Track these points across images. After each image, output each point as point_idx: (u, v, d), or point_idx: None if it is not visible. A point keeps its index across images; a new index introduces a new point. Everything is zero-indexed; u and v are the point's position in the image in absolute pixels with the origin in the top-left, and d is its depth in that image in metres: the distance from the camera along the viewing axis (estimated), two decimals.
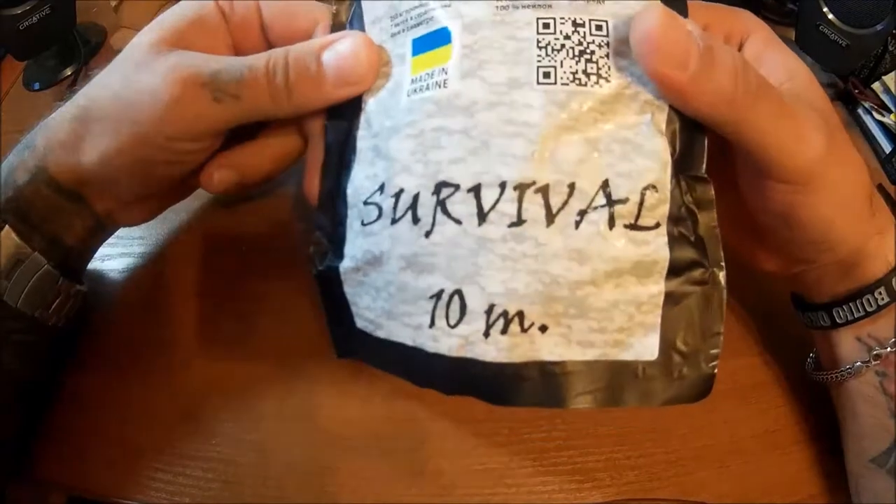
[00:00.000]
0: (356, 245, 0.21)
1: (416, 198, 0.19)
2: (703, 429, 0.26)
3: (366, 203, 0.20)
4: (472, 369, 0.19)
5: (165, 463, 0.25)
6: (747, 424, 0.27)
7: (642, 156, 0.18)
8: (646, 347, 0.19)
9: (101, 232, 0.26)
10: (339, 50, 0.20)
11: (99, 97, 0.22)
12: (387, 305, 0.20)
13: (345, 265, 0.21)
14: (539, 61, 0.18)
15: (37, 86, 0.39)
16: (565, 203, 0.18)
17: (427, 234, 0.19)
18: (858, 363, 0.22)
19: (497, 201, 0.18)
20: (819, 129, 0.18)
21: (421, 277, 0.19)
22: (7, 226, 0.22)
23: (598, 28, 0.18)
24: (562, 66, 0.18)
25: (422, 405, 0.26)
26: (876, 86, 0.38)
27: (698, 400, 0.19)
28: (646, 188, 0.18)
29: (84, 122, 0.22)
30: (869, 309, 0.21)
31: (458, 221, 0.18)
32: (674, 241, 0.19)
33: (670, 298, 0.19)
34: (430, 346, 0.19)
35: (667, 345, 0.19)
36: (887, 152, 0.35)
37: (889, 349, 0.21)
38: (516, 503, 0.24)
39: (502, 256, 0.18)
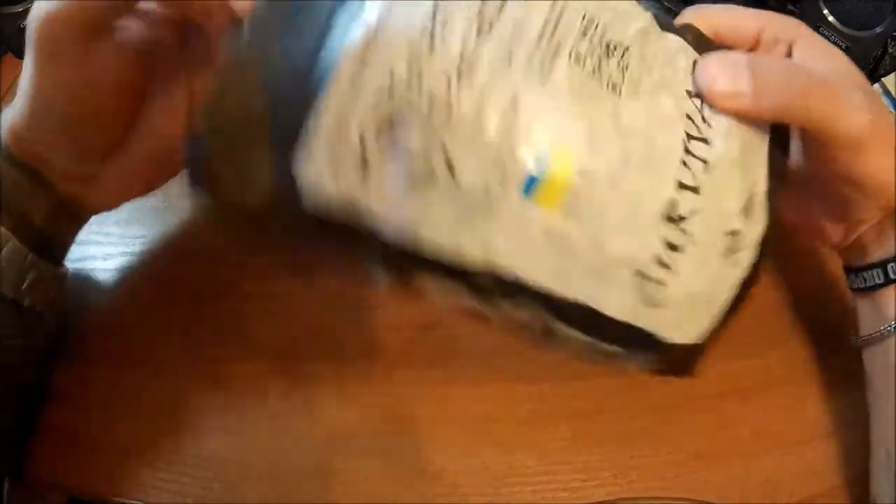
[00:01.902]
0: None
1: None
2: (706, 428, 0.27)
3: None
4: None
5: (166, 463, 0.25)
6: (749, 424, 0.27)
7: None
8: None
9: (67, 214, 0.25)
10: None
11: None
12: None
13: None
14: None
15: None
16: None
17: None
18: None
19: None
20: (863, 103, 0.21)
21: None
22: None
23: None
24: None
25: (422, 405, 0.26)
26: (876, 87, 0.38)
27: None
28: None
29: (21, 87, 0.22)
30: None
31: None
32: None
33: None
34: None
35: None
36: None
37: None
38: (519, 503, 0.24)
39: None
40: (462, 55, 0.17)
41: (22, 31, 0.34)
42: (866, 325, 0.26)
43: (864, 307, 0.26)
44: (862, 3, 0.33)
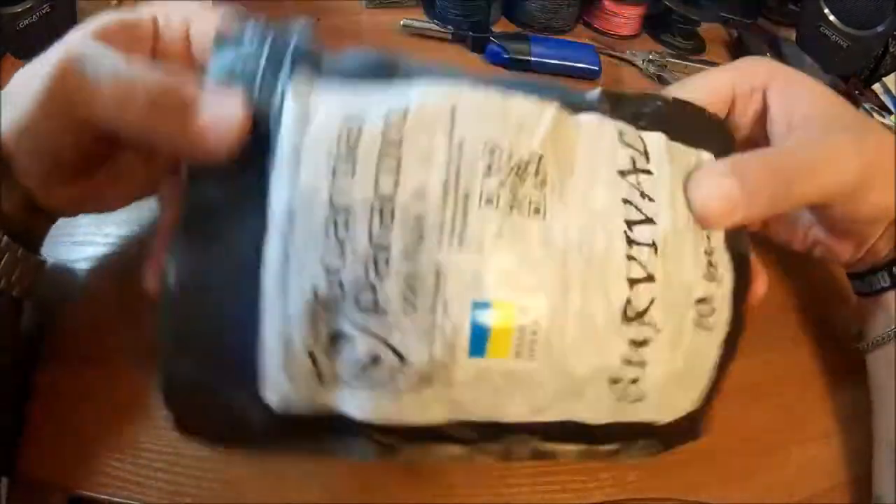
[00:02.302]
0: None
1: None
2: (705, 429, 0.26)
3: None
4: None
5: (166, 463, 0.25)
6: (748, 425, 0.27)
7: None
8: None
9: (35, 210, 0.25)
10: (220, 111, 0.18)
11: (25, 68, 0.22)
12: None
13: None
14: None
15: None
16: None
17: None
18: None
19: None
20: (848, 152, 0.21)
21: None
22: None
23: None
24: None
25: None
26: (876, 87, 0.38)
27: None
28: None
29: (7, 88, 0.22)
30: None
31: None
32: None
33: None
34: None
35: None
36: None
37: None
38: (519, 503, 0.24)
39: None
40: (373, 248, 0.17)
41: (22, 31, 0.34)
42: (872, 328, 0.26)
43: (869, 310, 0.26)
44: (863, 2, 0.33)
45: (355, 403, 0.18)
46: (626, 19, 0.48)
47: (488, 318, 0.17)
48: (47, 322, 0.27)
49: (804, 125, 0.23)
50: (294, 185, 0.17)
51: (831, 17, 0.33)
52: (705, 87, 0.24)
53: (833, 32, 0.33)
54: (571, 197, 0.18)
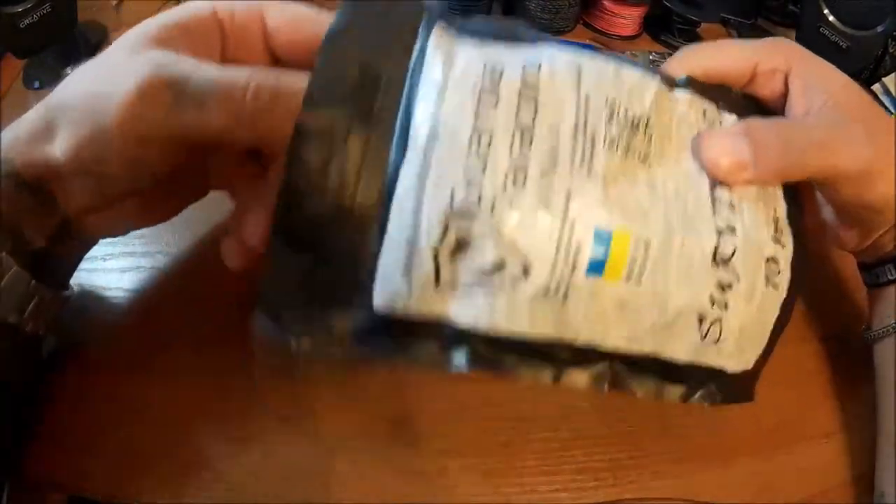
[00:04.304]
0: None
1: None
2: (706, 428, 0.27)
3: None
4: None
5: (166, 463, 0.25)
6: (749, 424, 0.27)
7: None
8: None
9: (71, 237, 0.24)
10: None
11: (68, 89, 0.21)
12: None
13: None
14: None
15: (37, 84, 0.39)
16: None
17: None
18: None
19: None
20: (858, 137, 0.22)
21: None
22: None
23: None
24: None
25: (423, 404, 0.26)
26: (876, 87, 0.38)
27: None
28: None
29: (50, 112, 0.21)
30: None
31: None
32: None
33: None
34: None
35: None
36: None
37: None
38: (519, 503, 0.24)
39: None
40: (513, 166, 0.18)
41: (22, 30, 0.34)
42: (879, 319, 0.26)
43: (877, 302, 0.27)
44: (862, 2, 0.33)
45: (467, 309, 0.18)
46: (626, 19, 0.48)
47: (609, 244, 0.18)
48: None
49: (823, 110, 0.23)
50: (439, 109, 0.19)
51: (831, 18, 0.33)
52: (726, 55, 0.24)
53: (833, 33, 0.33)
54: (669, 159, 0.21)
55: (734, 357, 0.21)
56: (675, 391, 0.21)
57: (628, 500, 0.25)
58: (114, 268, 0.30)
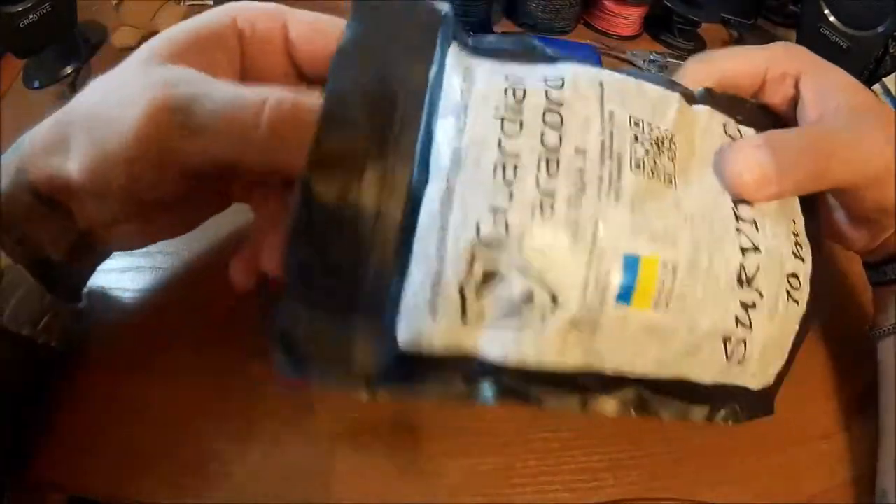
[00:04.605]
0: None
1: None
2: (705, 429, 0.26)
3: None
4: None
5: (166, 463, 0.25)
6: (749, 425, 0.27)
7: None
8: None
9: (87, 251, 0.24)
10: None
11: (82, 104, 0.21)
12: None
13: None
14: None
15: (37, 84, 0.39)
16: None
17: None
18: None
19: None
20: (879, 139, 0.21)
21: None
22: None
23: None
24: None
25: (424, 405, 0.26)
26: (876, 87, 0.38)
27: None
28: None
29: (63, 127, 0.21)
30: None
31: None
32: None
33: None
34: None
35: None
36: None
37: None
38: (520, 503, 0.24)
39: None
40: (540, 193, 0.18)
41: (22, 30, 0.34)
42: (885, 317, 0.26)
43: (882, 300, 0.27)
44: (863, 3, 0.33)
45: (495, 343, 0.18)
46: (626, 19, 0.48)
47: (637, 268, 0.18)
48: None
49: (837, 113, 0.23)
50: (462, 132, 0.18)
51: (831, 18, 0.33)
52: (737, 62, 0.24)
53: (833, 33, 0.33)
54: (693, 177, 0.20)
55: (757, 375, 0.21)
56: (699, 412, 0.20)
57: (629, 501, 0.25)
58: (114, 268, 0.30)
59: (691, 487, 0.25)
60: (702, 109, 0.22)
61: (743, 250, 0.20)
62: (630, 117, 0.20)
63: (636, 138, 0.19)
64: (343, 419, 0.26)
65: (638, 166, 0.19)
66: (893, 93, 0.37)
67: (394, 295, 0.18)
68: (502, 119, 0.18)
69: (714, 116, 0.22)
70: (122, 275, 0.30)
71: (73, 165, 0.20)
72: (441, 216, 0.18)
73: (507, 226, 0.17)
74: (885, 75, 0.38)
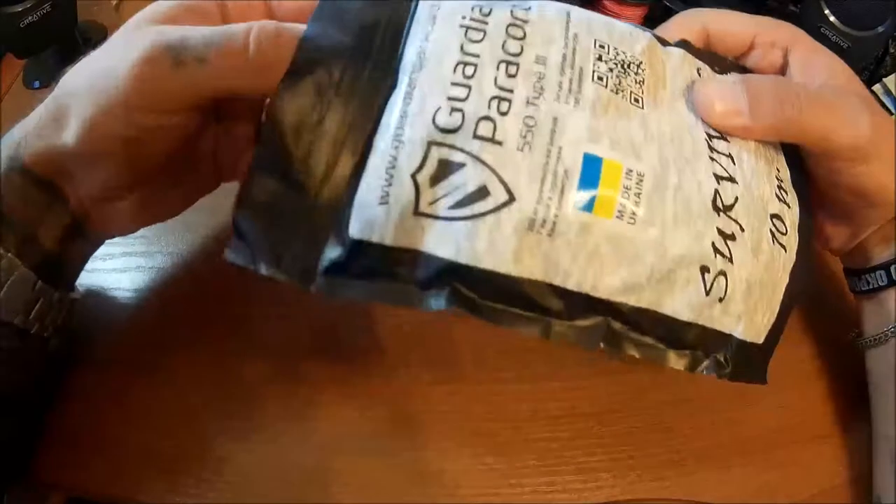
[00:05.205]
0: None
1: None
2: (706, 429, 0.27)
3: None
4: None
5: (167, 463, 0.25)
6: (750, 425, 0.27)
7: None
8: None
9: (80, 236, 0.24)
10: None
11: (73, 77, 0.21)
12: None
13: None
14: None
15: (37, 84, 0.39)
16: None
17: None
18: None
19: None
20: (863, 112, 0.21)
21: None
22: None
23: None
24: None
25: (424, 405, 0.26)
26: (877, 87, 0.38)
27: None
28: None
29: (57, 103, 0.21)
30: None
31: None
32: None
33: None
34: None
35: None
36: None
37: None
38: (520, 503, 0.24)
39: None
40: (497, 89, 0.18)
41: (23, 29, 0.34)
42: (869, 327, 0.26)
43: (867, 309, 0.26)
44: (863, 3, 0.33)
45: (447, 240, 0.17)
46: (626, 20, 0.48)
47: (598, 171, 0.18)
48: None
49: (824, 87, 0.23)
50: (427, 38, 0.19)
51: (832, 18, 0.33)
52: (725, 20, 0.24)
53: (833, 33, 0.33)
54: (663, 103, 0.20)
55: (743, 320, 0.20)
56: (679, 360, 0.19)
57: (629, 501, 0.25)
58: (114, 268, 0.30)
59: (691, 487, 0.25)
60: (675, 51, 0.22)
61: (718, 178, 0.19)
62: (595, 41, 0.20)
63: (600, 58, 0.19)
64: (343, 419, 0.26)
65: (601, 79, 0.19)
66: (894, 93, 0.37)
67: (348, 185, 0.18)
68: (467, 28, 0.19)
69: (687, 58, 0.22)
70: (122, 275, 0.30)
71: (71, 134, 0.20)
72: (401, 111, 0.18)
73: (463, 116, 0.17)
74: (885, 75, 0.38)
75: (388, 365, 0.27)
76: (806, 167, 0.23)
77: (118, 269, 0.30)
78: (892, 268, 0.24)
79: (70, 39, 0.39)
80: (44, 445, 0.25)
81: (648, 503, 0.25)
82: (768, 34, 0.24)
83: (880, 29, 0.33)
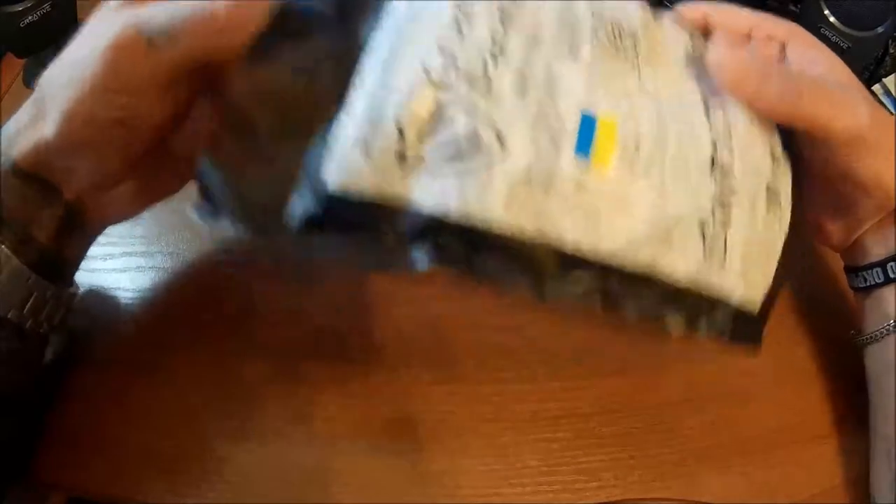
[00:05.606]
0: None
1: None
2: (707, 429, 0.27)
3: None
4: None
5: (167, 463, 0.25)
6: (750, 425, 0.27)
7: None
8: None
9: (76, 228, 0.24)
10: None
11: (51, 71, 0.22)
12: None
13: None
14: None
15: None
16: None
17: None
18: None
19: None
20: (861, 102, 0.22)
21: None
22: None
23: None
24: None
25: (424, 405, 0.26)
26: (877, 88, 0.38)
27: None
28: None
29: (39, 96, 0.21)
30: None
31: None
32: None
33: None
34: None
35: None
36: None
37: None
38: (520, 503, 0.24)
39: None
40: (492, 40, 0.17)
41: (23, 29, 0.34)
42: (867, 324, 0.26)
43: (865, 306, 0.26)
44: (863, 3, 0.33)
45: (433, 191, 0.16)
46: None
47: (594, 125, 0.17)
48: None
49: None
50: None
51: (832, 19, 0.33)
52: (722, 14, 0.24)
53: (833, 34, 0.33)
54: (659, 68, 0.20)
55: (740, 281, 0.19)
56: (676, 320, 0.19)
57: (629, 501, 0.25)
58: (114, 268, 0.30)
59: (691, 487, 0.25)
60: (670, 25, 0.22)
61: (714, 142, 0.19)
62: (592, 12, 0.20)
63: (595, 15, 0.20)
64: (343, 419, 0.26)
65: (597, 38, 0.19)
66: (894, 93, 0.37)
67: (329, 136, 0.17)
68: None
69: (682, 35, 0.22)
70: (122, 275, 0.30)
71: (51, 125, 0.21)
72: (388, 57, 0.17)
73: (455, 65, 0.17)
74: (885, 75, 0.38)
75: (388, 365, 0.27)
76: (803, 158, 0.23)
77: (118, 269, 0.30)
78: (889, 265, 0.25)
79: (70, 39, 0.39)
80: (44, 445, 0.25)
81: (649, 503, 0.25)
82: (765, 28, 0.24)
83: (880, 29, 0.33)
